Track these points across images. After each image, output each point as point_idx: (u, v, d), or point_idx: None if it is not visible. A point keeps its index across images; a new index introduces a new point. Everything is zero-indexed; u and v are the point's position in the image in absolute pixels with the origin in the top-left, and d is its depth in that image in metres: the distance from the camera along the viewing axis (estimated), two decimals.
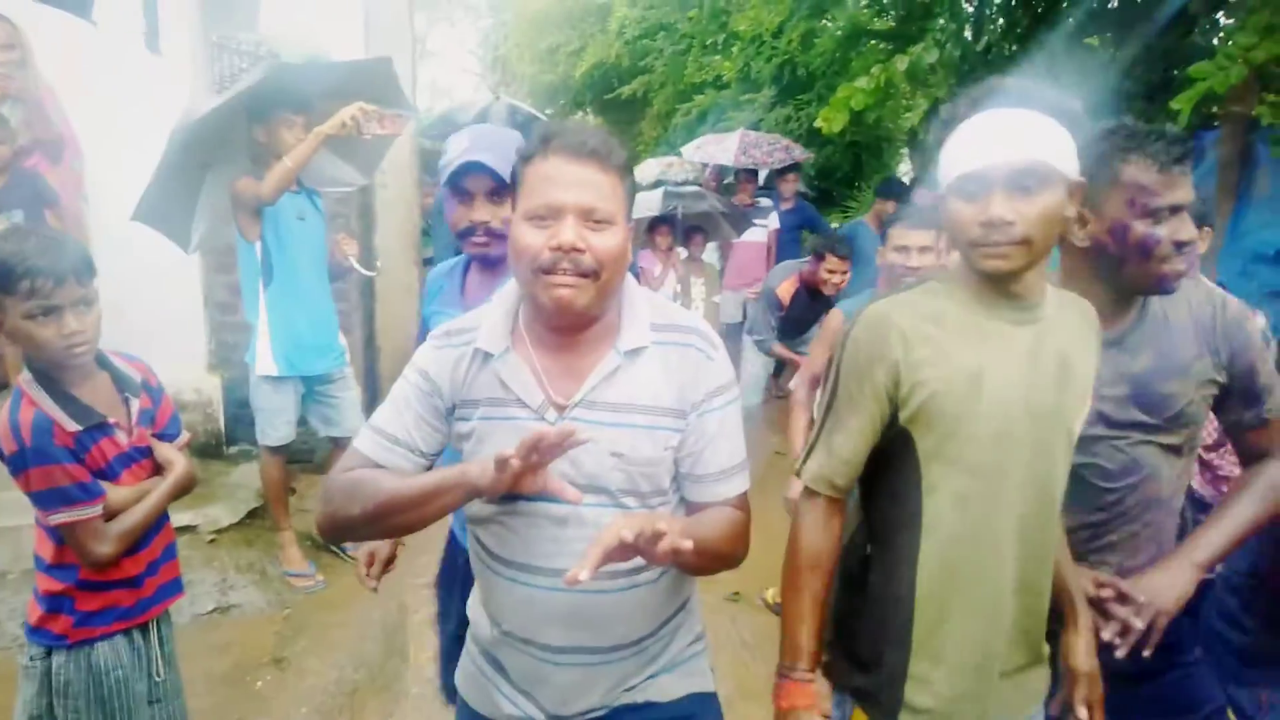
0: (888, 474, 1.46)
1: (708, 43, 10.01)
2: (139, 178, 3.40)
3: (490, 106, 8.64)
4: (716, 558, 1.38)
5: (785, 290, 4.78)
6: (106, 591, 1.93)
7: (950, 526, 1.38)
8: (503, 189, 1.83)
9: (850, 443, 1.43)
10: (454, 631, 1.97)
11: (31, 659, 1.92)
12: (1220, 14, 5.42)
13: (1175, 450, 1.59)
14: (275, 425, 3.73)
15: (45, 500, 1.81)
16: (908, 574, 1.42)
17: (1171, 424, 1.56)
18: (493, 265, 1.94)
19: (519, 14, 14.85)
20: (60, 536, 1.86)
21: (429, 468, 1.42)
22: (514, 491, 1.24)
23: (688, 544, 1.18)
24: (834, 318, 3.03)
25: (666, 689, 1.47)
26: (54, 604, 1.90)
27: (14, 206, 3.69)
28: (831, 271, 4.49)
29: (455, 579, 1.98)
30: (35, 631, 1.92)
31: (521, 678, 1.44)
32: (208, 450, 4.56)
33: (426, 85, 12.79)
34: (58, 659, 1.91)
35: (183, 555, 3.99)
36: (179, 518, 4.26)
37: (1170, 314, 1.59)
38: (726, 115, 9.92)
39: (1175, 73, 5.51)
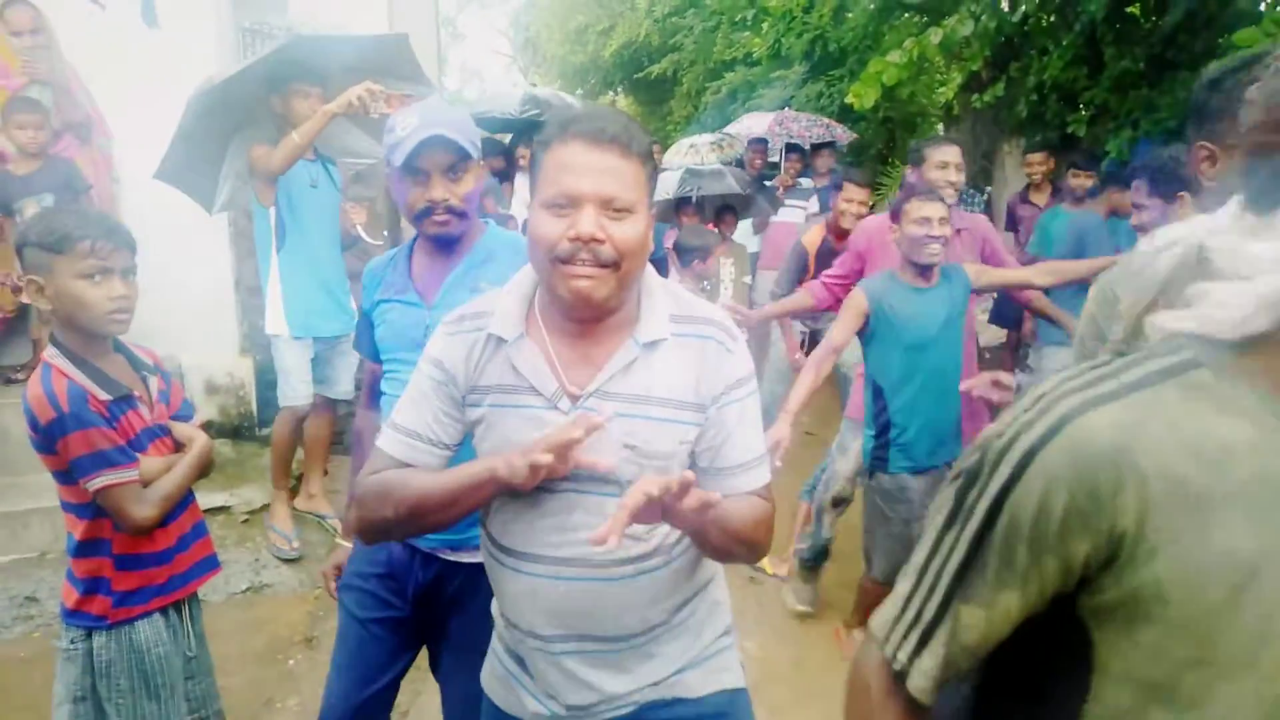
0: (1015, 669, 0.92)
1: (737, 19, 9.90)
2: None
3: (529, 97, 8.57)
4: (740, 540, 1.34)
5: (811, 240, 4.52)
6: (141, 570, 1.95)
7: None
8: (459, 165, 1.80)
9: (984, 629, 0.86)
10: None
11: (72, 642, 1.94)
12: None
13: None
14: (294, 385, 3.80)
15: (86, 465, 1.83)
16: None
17: None
18: (446, 246, 1.90)
19: None
20: (92, 511, 1.88)
21: (448, 458, 1.41)
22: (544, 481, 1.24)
23: (716, 496, 1.18)
24: (854, 297, 2.97)
25: (694, 686, 1.44)
26: (90, 586, 1.92)
27: (46, 190, 3.75)
28: (850, 201, 4.32)
29: None
30: (73, 614, 1.94)
31: (538, 673, 1.42)
32: (241, 432, 4.62)
33: (457, 67, 12.77)
34: (99, 640, 1.94)
35: (216, 535, 4.09)
36: (212, 499, 4.34)
37: None
38: (757, 93, 9.81)
39: (1220, 40, 5.34)
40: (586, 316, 1.31)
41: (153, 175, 3.53)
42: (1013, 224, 5.95)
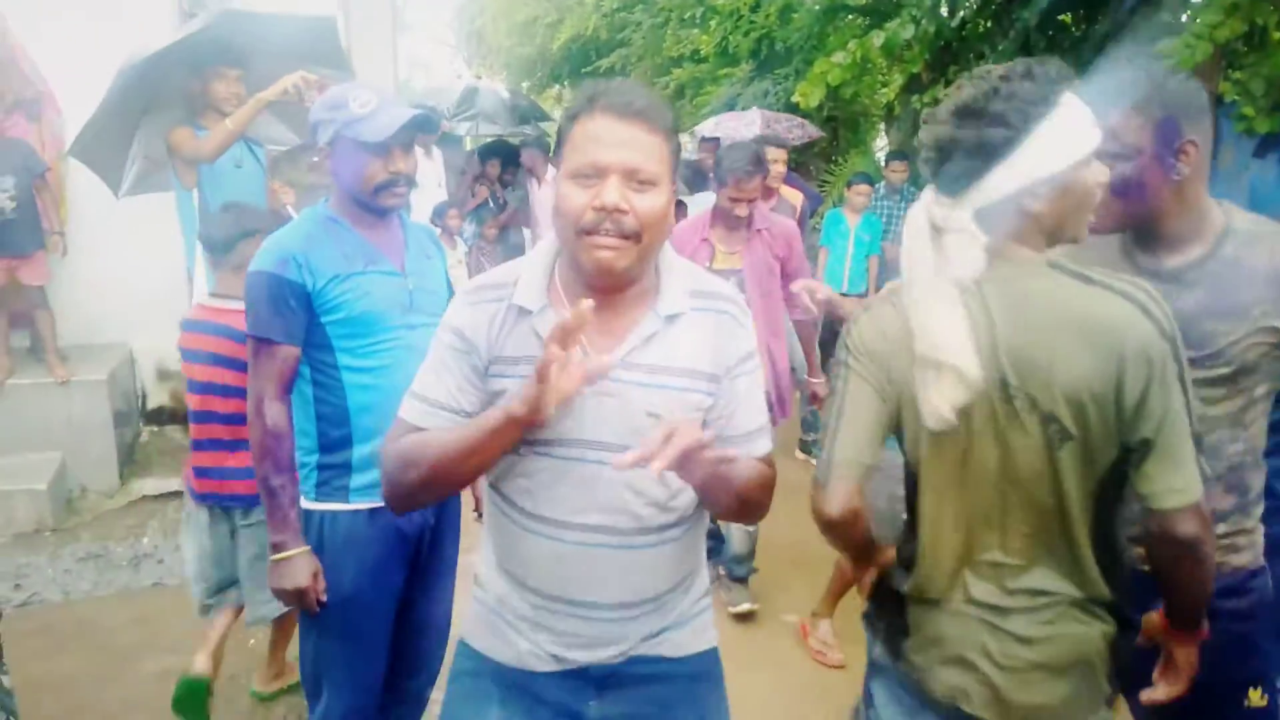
0: None
1: (686, 16, 10.01)
2: None
3: (478, 89, 8.57)
4: (746, 500, 1.41)
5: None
6: None
7: None
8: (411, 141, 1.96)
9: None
10: None
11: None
12: None
13: (1205, 387, 1.57)
14: None
15: None
16: None
17: (1211, 360, 1.56)
18: (385, 217, 2.02)
19: None
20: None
21: None
22: (552, 409, 1.22)
23: (734, 451, 1.26)
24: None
25: (680, 644, 1.50)
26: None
27: (3, 173, 3.71)
28: (771, 160, 4.65)
29: None
30: None
31: (545, 625, 1.44)
32: None
33: (404, 57, 12.67)
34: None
35: (173, 519, 4.12)
36: (168, 484, 4.34)
37: (1246, 259, 1.59)
38: (704, 89, 9.96)
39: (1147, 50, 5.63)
40: (608, 286, 1.34)
41: (66, 152, 3.50)
42: None
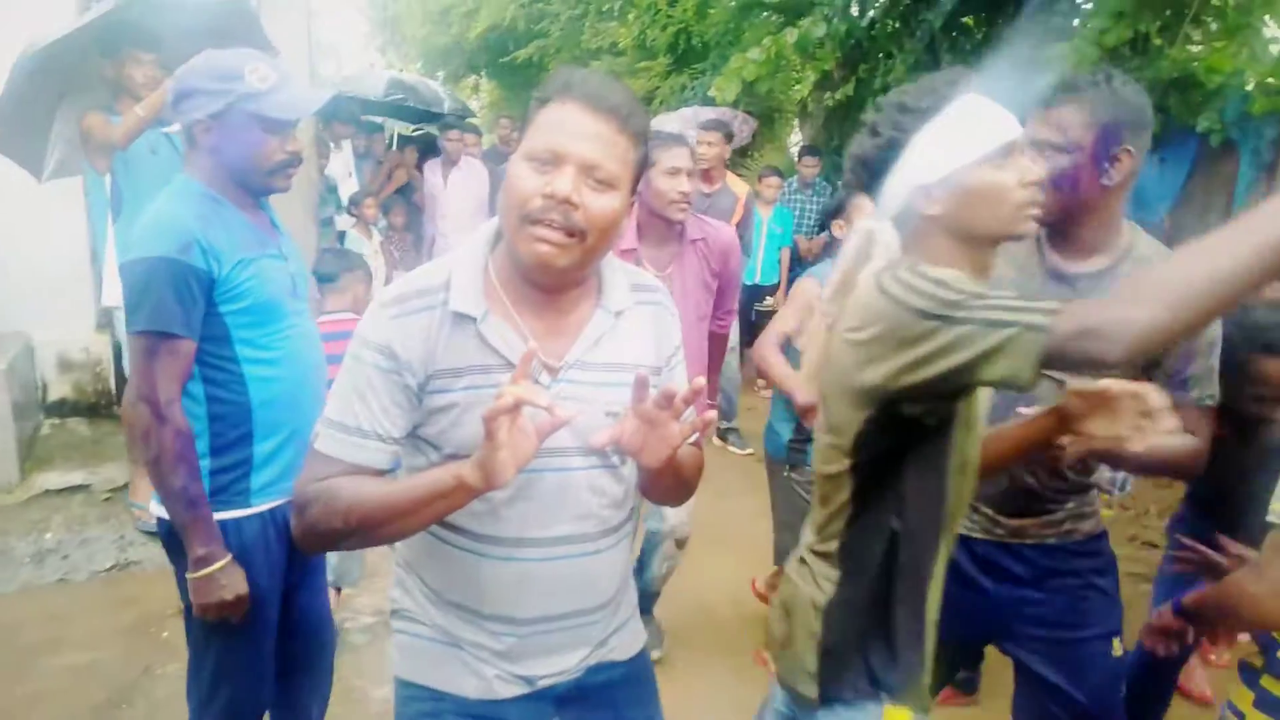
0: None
1: (604, 9, 10.05)
2: None
3: (394, 81, 8.41)
4: (683, 481, 1.43)
5: None
6: None
7: None
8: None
9: None
10: None
11: None
12: None
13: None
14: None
15: None
16: None
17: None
18: (262, 197, 1.95)
19: None
20: None
21: (398, 453, 1.31)
22: (511, 476, 1.14)
23: (711, 414, 1.26)
24: (805, 284, 2.81)
25: (626, 647, 1.49)
26: None
27: None
28: (699, 143, 4.69)
29: None
30: None
31: (512, 651, 1.37)
32: (99, 410, 4.49)
33: (315, 43, 12.35)
34: None
35: (78, 514, 4.00)
36: (72, 477, 4.21)
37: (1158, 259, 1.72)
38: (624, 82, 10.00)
39: (1041, 54, 5.92)
40: (546, 283, 1.27)
41: None
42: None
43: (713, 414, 1.28)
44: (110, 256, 3.63)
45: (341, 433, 1.26)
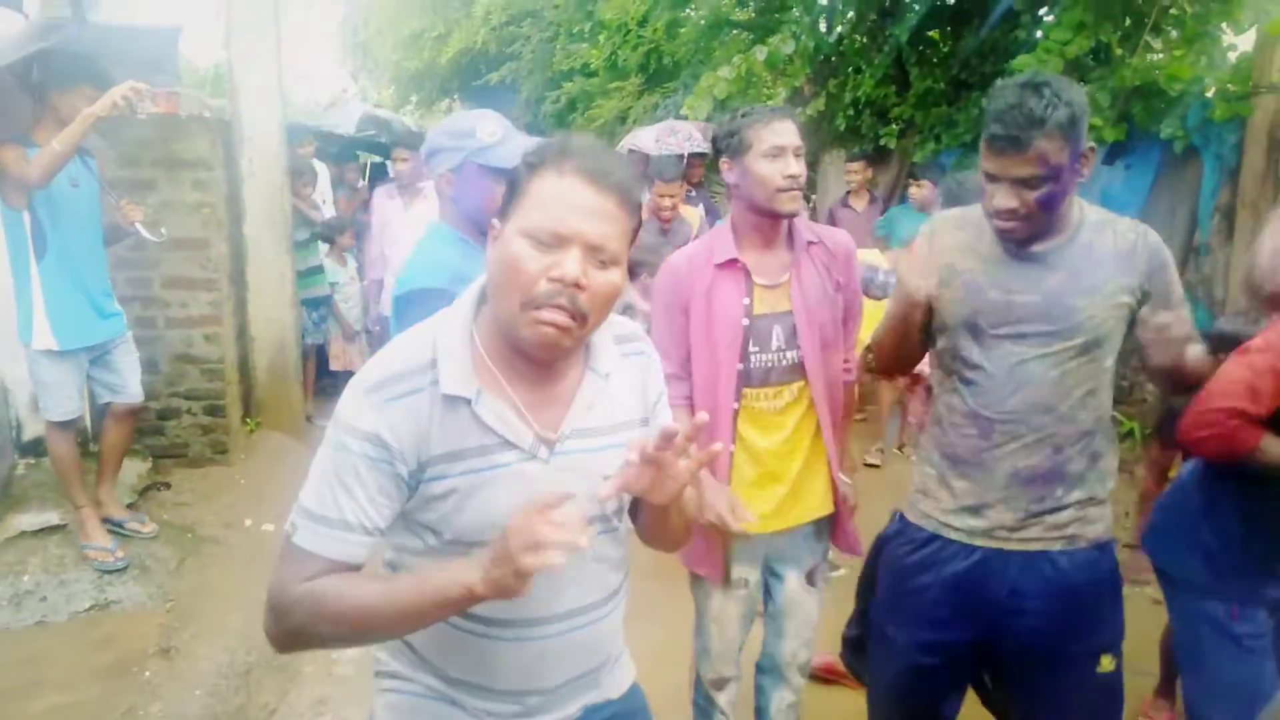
0: None
1: (574, 30, 10.12)
2: None
3: (367, 118, 8.38)
4: (688, 523, 1.40)
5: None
6: None
7: None
8: None
9: None
10: None
11: None
12: (1043, 10, 5.95)
13: (1068, 359, 1.79)
14: (59, 400, 3.62)
15: None
16: None
17: (1071, 332, 1.77)
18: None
19: None
20: None
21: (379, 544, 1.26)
22: (527, 589, 1.10)
23: (718, 446, 1.23)
24: None
25: (619, 683, 1.47)
26: None
27: None
28: (661, 196, 4.70)
29: None
30: None
31: (513, 713, 1.34)
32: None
33: (286, 70, 12.34)
34: None
35: (55, 554, 3.95)
36: (46, 517, 4.14)
37: (1096, 244, 1.80)
38: (595, 103, 10.06)
39: (1005, 66, 6.01)
40: (543, 359, 1.23)
41: None
42: (833, 226, 6.46)
43: (718, 446, 1.24)
44: (37, 298, 3.46)
45: (324, 526, 1.18)
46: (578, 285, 1.13)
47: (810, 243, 2.19)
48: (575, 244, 1.14)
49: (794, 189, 2.06)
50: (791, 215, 2.12)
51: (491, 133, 1.96)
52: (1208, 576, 2.04)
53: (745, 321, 2.11)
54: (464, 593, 1.10)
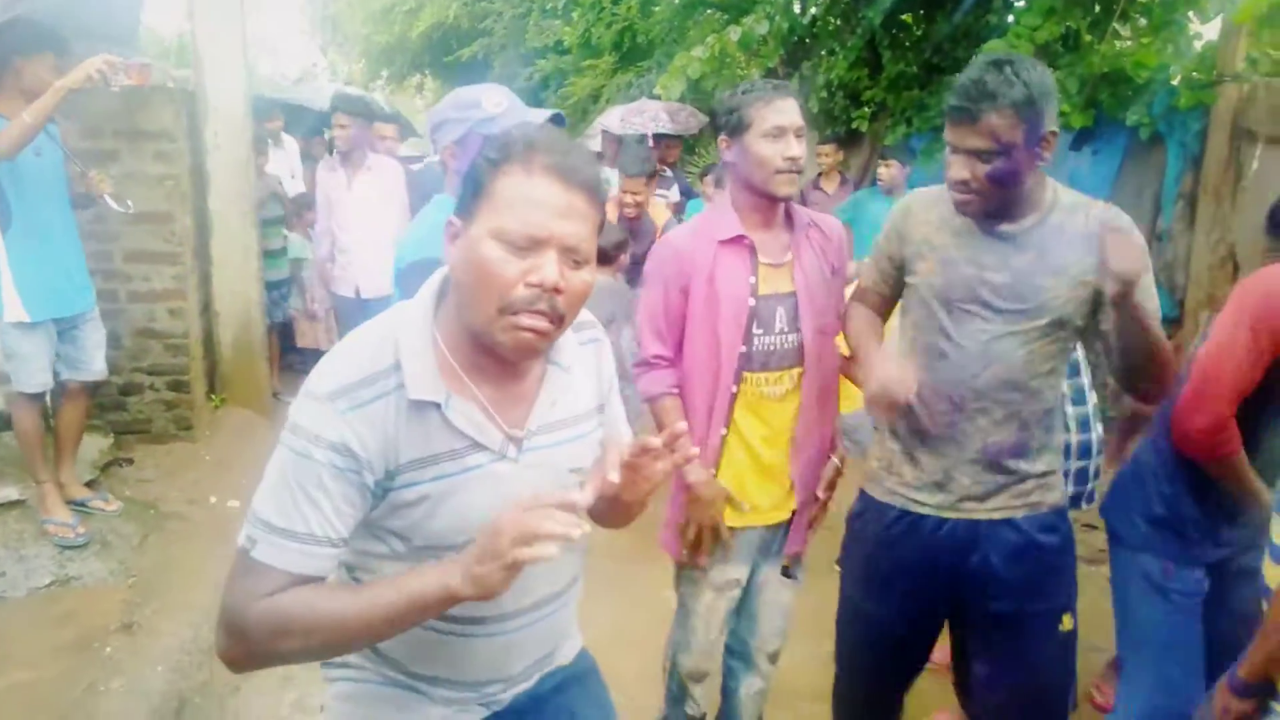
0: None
1: (548, 7, 10.05)
2: None
3: (340, 95, 8.26)
4: (638, 507, 1.40)
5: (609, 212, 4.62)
6: None
7: None
8: None
9: None
10: None
11: None
12: None
13: (1036, 337, 1.83)
14: (31, 372, 3.57)
15: None
16: None
17: (1037, 312, 1.81)
18: None
19: None
20: None
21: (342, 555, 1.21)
22: (508, 587, 1.09)
23: (694, 451, 1.24)
24: None
25: (568, 652, 1.49)
26: None
27: None
28: (624, 192, 4.56)
29: None
30: None
31: (479, 700, 1.36)
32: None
33: (253, 42, 12.16)
34: None
35: (14, 530, 3.88)
36: (7, 492, 4.07)
37: (1068, 225, 1.83)
38: (569, 80, 10.01)
39: (977, 50, 6.05)
40: (515, 360, 1.21)
41: None
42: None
43: (695, 450, 1.24)
44: (4, 270, 3.40)
45: (287, 539, 1.12)
46: (557, 290, 1.11)
47: (809, 226, 2.15)
48: (551, 246, 1.11)
49: (793, 171, 2.00)
50: (788, 198, 2.07)
51: (497, 103, 1.93)
52: (1148, 533, 2.11)
53: (751, 301, 2.05)
54: (444, 595, 1.07)
